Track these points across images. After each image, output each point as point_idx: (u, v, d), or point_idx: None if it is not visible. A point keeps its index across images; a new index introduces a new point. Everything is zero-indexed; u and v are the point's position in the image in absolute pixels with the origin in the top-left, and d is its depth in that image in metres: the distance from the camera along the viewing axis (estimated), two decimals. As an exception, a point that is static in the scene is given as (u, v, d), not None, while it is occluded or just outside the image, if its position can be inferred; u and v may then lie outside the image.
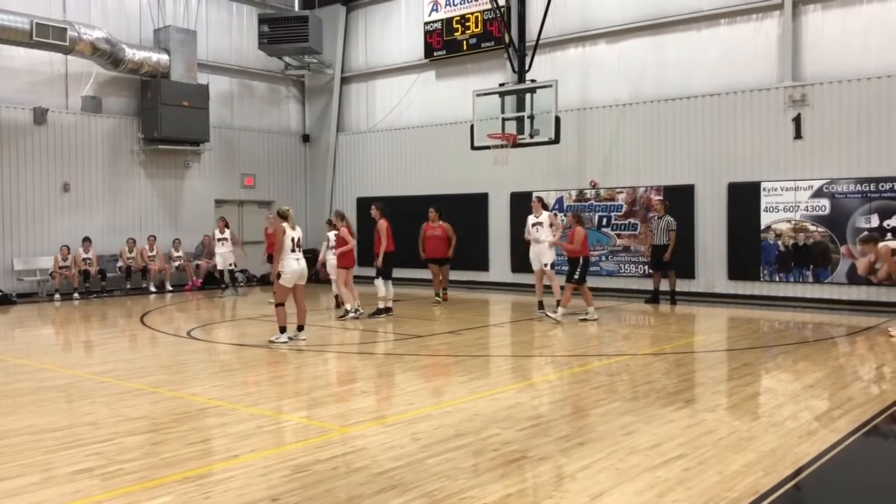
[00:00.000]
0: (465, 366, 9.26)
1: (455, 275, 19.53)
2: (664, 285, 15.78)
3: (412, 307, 15.50)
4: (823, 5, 15.16)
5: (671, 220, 15.49)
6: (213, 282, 20.17)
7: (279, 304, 10.84)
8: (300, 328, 11.00)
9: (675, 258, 15.35)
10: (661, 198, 16.40)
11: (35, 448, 5.86)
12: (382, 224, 13.49)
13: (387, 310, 13.68)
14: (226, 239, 18.10)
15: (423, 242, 15.89)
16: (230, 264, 18.33)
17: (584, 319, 12.86)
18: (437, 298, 16.05)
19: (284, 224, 10.74)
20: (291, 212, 11.11)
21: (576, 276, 12.83)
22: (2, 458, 5.62)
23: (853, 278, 14.35)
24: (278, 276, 10.71)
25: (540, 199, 14.69)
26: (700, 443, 5.82)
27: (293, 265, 10.70)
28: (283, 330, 10.80)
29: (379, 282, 13.65)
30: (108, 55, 18.30)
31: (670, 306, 15.33)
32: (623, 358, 9.74)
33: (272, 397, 7.67)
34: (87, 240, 18.17)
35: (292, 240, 10.74)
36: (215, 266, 19.79)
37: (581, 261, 12.80)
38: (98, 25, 18.36)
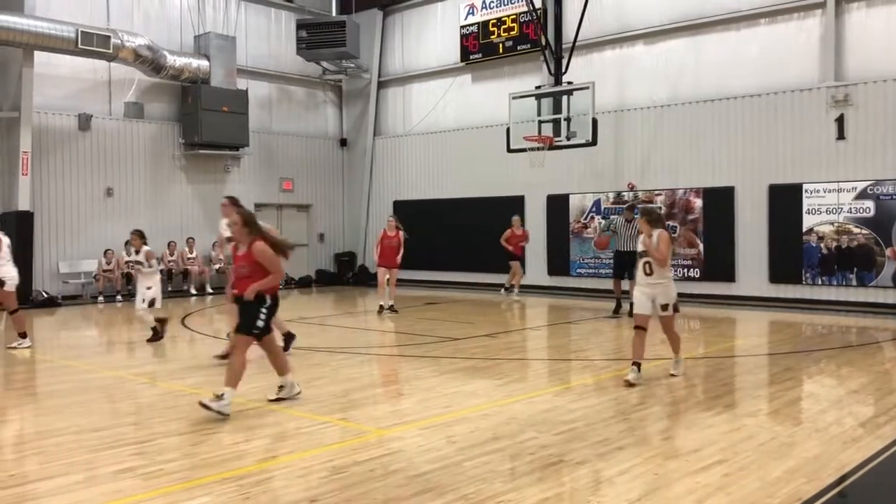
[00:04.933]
0: (501, 369, 9.24)
1: (491, 278, 19.53)
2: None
3: (446, 311, 15.51)
4: (867, 3, 14.86)
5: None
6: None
7: (14, 311, 11.01)
8: (23, 335, 11.09)
9: (712, 260, 15.13)
10: (629, 202, 16.24)
11: (79, 447, 5.97)
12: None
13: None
14: None
15: None
16: None
17: (280, 398, 7.51)
18: None
19: None
20: None
21: (259, 325, 7.12)
22: (47, 457, 5.75)
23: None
24: (2, 283, 10.85)
25: (232, 200, 9.63)
26: (740, 448, 5.74)
27: (13, 271, 11.03)
28: (23, 336, 11.00)
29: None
30: (149, 62, 18.63)
31: (612, 315, 13.95)
32: (662, 362, 9.63)
33: (310, 399, 7.72)
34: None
35: (7, 246, 10.98)
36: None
37: (270, 301, 7.21)
38: (140, 32, 18.70)
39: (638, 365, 8.14)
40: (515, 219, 17.29)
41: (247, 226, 7.25)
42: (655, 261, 8.07)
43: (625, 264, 14.00)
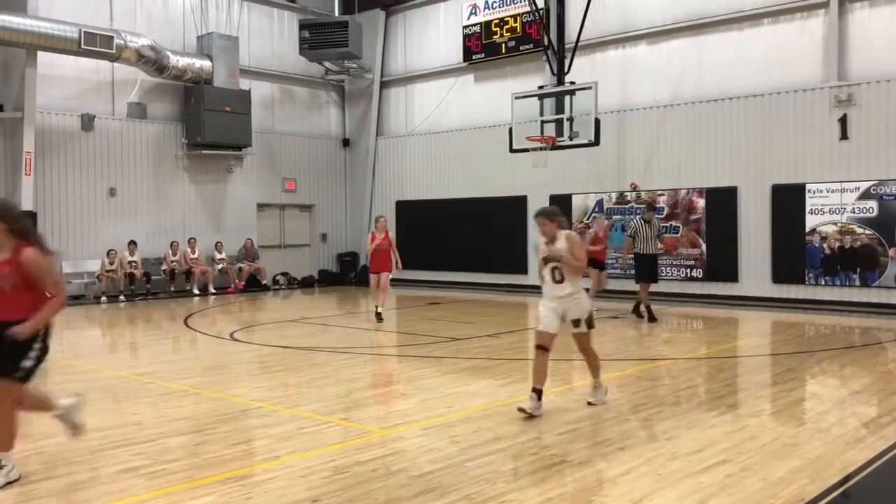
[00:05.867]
0: (503, 369, 9.24)
1: (494, 278, 19.54)
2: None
3: (448, 311, 15.51)
4: (871, 3, 14.84)
5: (659, 225, 14.13)
6: (256, 284, 20.48)
7: None
8: None
9: (716, 261, 15.06)
10: (646, 201, 15.98)
11: (82, 447, 5.97)
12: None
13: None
14: None
15: None
16: None
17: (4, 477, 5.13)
18: None
19: None
20: None
21: (26, 365, 5.13)
22: (51, 457, 5.75)
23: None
24: None
25: None
26: (743, 448, 5.73)
27: None
28: None
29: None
30: (152, 62, 18.65)
31: (647, 322, 13.17)
32: (665, 362, 9.63)
33: (313, 399, 7.73)
34: (132, 243, 18.54)
35: None
36: (258, 269, 20.21)
37: (43, 329, 5.21)
38: (143, 33, 18.72)
39: (538, 392, 6.80)
40: (600, 219, 15.71)
41: (5, 222, 5.14)
42: (572, 269, 6.88)
43: (648, 267, 13.55)
